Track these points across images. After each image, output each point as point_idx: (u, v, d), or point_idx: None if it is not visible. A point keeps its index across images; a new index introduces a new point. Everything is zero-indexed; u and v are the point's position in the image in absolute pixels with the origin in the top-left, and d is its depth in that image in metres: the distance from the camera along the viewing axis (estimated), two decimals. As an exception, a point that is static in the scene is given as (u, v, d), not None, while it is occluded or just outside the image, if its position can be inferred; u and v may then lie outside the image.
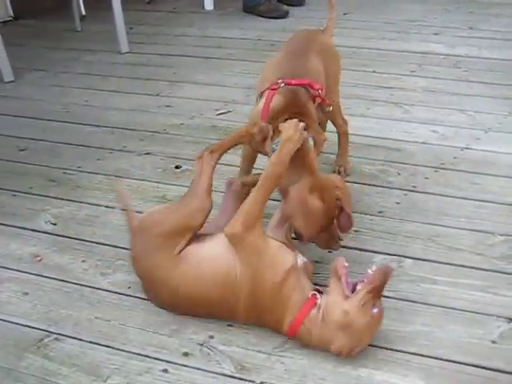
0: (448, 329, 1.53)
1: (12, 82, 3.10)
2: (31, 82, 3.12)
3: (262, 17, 3.97)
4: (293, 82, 1.71)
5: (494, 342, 1.49)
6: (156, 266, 1.54)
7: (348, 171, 2.16)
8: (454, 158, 2.27)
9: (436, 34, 3.52)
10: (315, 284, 1.55)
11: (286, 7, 4.01)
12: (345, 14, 3.91)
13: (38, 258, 1.83)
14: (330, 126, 2.15)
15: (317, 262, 1.71)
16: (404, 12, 3.91)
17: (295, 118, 1.59)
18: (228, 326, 1.55)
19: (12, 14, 3.99)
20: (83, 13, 3.90)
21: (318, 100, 1.76)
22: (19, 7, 3.98)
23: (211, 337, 1.52)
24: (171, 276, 1.52)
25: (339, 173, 2.11)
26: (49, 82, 3.11)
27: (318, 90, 1.74)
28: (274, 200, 1.64)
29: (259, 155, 1.81)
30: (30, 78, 3.17)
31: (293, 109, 1.66)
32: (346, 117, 2.09)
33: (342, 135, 2.14)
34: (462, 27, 3.60)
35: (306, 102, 1.72)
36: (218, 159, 1.64)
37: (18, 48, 3.43)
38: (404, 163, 2.24)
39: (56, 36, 3.75)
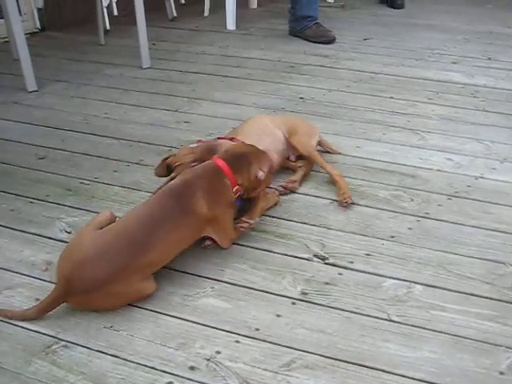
0: (456, 357, 1.52)
1: (35, 91, 3.16)
2: (54, 92, 3.18)
3: (309, 41, 3.87)
4: None
5: (502, 373, 1.48)
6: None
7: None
8: (468, 186, 2.27)
9: (455, 63, 3.54)
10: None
11: (333, 33, 3.89)
12: (365, 40, 3.95)
13: (44, 268, 1.84)
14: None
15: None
16: (424, 40, 3.95)
17: None
18: (235, 342, 1.56)
19: (39, 26, 4.09)
20: (108, 27, 3.97)
21: None
22: (46, 19, 4.09)
23: (218, 352, 1.53)
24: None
25: None
26: (71, 94, 3.17)
27: None
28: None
29: None
30: (53, 88, 3.23)
31: None
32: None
33: None
34: (481, 57, 3.62)
35: None
36: None
37: (42, 59, 3.51)
38: (418, 189, 2.25)
39: (80, 49, 3.82)
